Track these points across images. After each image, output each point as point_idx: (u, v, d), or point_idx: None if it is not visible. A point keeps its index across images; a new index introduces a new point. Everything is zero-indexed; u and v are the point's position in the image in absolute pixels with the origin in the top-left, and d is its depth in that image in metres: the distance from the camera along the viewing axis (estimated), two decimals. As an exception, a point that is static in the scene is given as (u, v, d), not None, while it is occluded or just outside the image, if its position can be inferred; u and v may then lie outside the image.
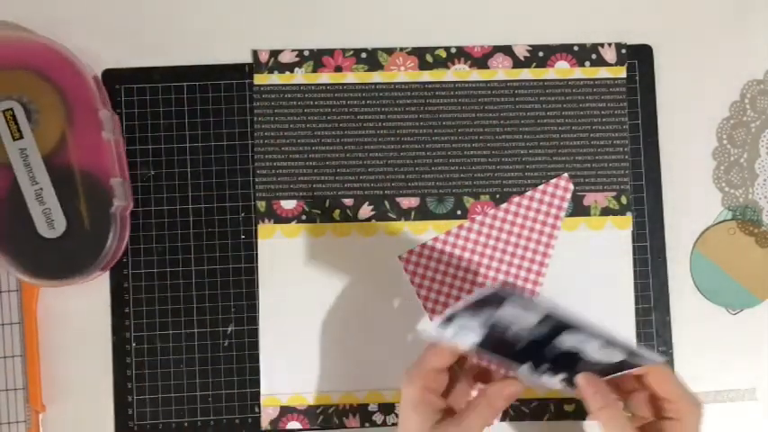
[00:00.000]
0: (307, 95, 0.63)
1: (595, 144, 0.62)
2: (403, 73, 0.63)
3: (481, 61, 0.63)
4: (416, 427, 0.48)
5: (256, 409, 0.61)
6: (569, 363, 0.49)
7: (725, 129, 0.63)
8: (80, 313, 0.61)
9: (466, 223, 0.62)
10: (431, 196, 0.62)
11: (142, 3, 0.63)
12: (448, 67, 0.63)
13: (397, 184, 0.62)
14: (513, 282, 0.61)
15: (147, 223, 0.62)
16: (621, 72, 0.63)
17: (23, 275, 0.57)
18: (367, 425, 0.61)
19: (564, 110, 0.63)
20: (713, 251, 0.62)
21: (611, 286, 0.62)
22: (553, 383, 0.51)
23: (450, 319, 0.46)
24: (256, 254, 0.62)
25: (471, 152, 0.62)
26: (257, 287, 0.62)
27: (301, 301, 0.62)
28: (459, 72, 0.63)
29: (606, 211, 0.62)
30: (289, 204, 0.62)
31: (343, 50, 0.63)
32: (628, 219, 0.62)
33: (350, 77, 0.63)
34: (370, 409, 0.61)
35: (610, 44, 0.63)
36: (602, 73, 0.63)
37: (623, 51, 0.63)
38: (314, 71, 0.63)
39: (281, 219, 0.62)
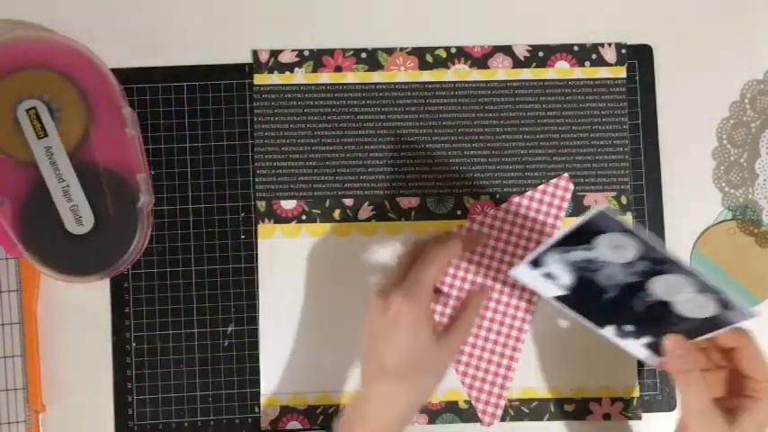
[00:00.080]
0: (307, 95, 0.63)
1: (595, 144, 0.62)
2: (403, 73, 0.63)
3: (481, 61, 0.63)
4: (428, 336, 0.51)
5: (256, 409, 0.61)
6: (655, 322, 0.49)
7: (725, 129, 0.63)
8: (80, 313, 0.61)
9: (466, 223, 0.62)
10: (431, 196, 0.62)
11: (142, 3, 0.63)
12: (448, 67, 0.63)
13: (397, 184, 0.62)
14: (514, 282, 0.61)
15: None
16: (621, 72, 0.63)
17: (52, 272, 0.58)
18: (367, 425, 0.61)
19: (564, 110, 0.63)
20: (713, 251, 0.62)
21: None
22: (635, 349, 0.51)
23: (537, 263, 0.45)
24: (256, 254, 0.62)
25: (471, 152, 0.62)
26: (257, 287, 0.62)
27: (301, 301, 0.62)
28: (459, 72, 0.63)
29: (606, 211, 0.62)
30: (289, 204, 0.62)
31: (343, 50, 0.63)
32: (628, 219, 0.62)
33: (350, 77, 0.63)
34: (370, 409, 0.61)
35: (610, 44, 0.63)
36: (602, 73, 0.63)
37: (623, 51, 0.63)
38: (314, 71, 0.63)
39: (281, 219, 0.62)
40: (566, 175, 0.62)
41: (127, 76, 0.62)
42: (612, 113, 0.63)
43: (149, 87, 0.62)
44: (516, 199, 0.62)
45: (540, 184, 0.62)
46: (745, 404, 0.49)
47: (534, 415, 0.61)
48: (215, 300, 0.61)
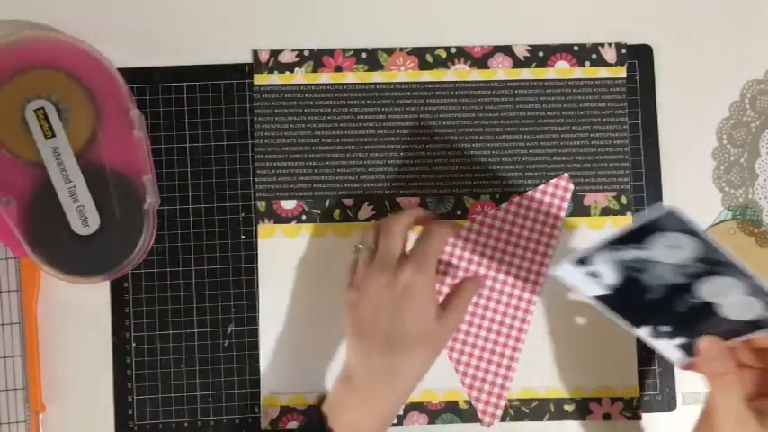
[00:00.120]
0: (307, 95, 0.63)
1: (595, 144, 0.62)
2: (403, 73, 0.63)
3: (481, 61, 0.63)
4: (435, 310, 0.52)
5: (256, 409, 0.61)
6: (693, 323, 0.48)
7: (725, 129, 0.63)
8: (80, 313, 0.61)
9: (466, 223, 0.62)
10: (431, 196, 0.62)
11: (142, 3, 0.63)
12: (448, 67, 0.63)
13: (397, 184, 0.62)
14: (513, 282, 0.61)
15: (147, 223, 0.62)
16: (621, 72, 0.63)
17: (57, 272, 0.58)
18: (367, 425, 0.61)
19: (564, 110, 0.63)
20: (713, 251, 0.62)
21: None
22: (667, 349, 0.51)
23: (584, 261, 0.45)
24: (256, 254, 0.62)
25: (471, 152, 0.62)
26: (257, 287, 0.62)
27: (301, 301, 0.62)
28: (459, 72, 0.63)
29: (606, 211, 0.62)
30: (289, 204, 0.62)
31: (343, 50, 0.63)
32: (628, 219, 0.62)
33: (350, 77, 0.63)
34: (370, 409, 0.61)
35: (610, 44, 0.63)
36: (602, 73, 0.63)
37: (623, 51, 0.63)
38: (314, 71, 0.63)
39: (281, 219, 0.62)
40: (566, 175, 0.62)
41: (127, 76, 0.62)
42: (612, 113, 0.63)
43: (149, 87, 0.62)
44: (516, 199, 0.62)
45: (540, 184, 0.62)
46: None
47: (534, 415, 0.61)
48: (215, 300, 0.61)
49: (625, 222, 0.62)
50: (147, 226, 0.59)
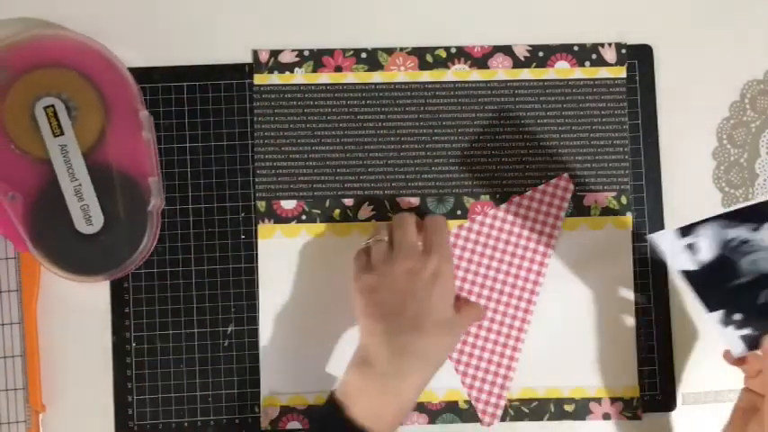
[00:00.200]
0: (307, 95, 0.63)
1: (595, 144, 0.62)
2: (403, 73, 0.63)
3: (481, 61, 0.63)
4: (453, 298, 0.55)
5: (256, 409, 0.61)
6: None
7: (725, 129, 0.63)
8: (80, 313, 0.61)
9: (466, 223, 0.62)
10: (431, 196, 0.62)
11: (142, 3, 0.63)
12: (448, 67, 0.63)
13: (397, 184, 0.62)
14: (513, 283, 0.61)
15: (147, 223, 0.62)
16: (621, 72, 0.63)
17: (58, 270, 0.58)
18: (367, 425, 0.61)
19: (564, 110, 0.63)
20: (713, 251, 0.62)
21: (611, 286, 0.61)
22: (731, 337, 0.51)
23: (687, 231, 0.44)
24: (256, 254, 0.62)
25: (471, 152, 0.62)
26: (257, 287, 0.62)
27: (301, 301, 0.62)
28: (459, 72, 0.63)
29: (606, 211, 0.62)
30: (289, 204, 0.62)
31: (344, 50, 0.63)
32: (628, 219, 0.62)
33: (350, 77, 0.63)
34: (370, 409, 0.61)
35: (610, 44, 0.63)
36: (602, 73, 0.63)
37: (623, 51, 0.63)
38: (314, 71, 0.63)
39: (281, 219, 0.62)
40: (566, 175, 0.62)
41: (127, 76, 0.62)
42: (612, 113, 0.63)
43: (149, 87, 0.62)
44: (516, 199, 0.62)
45: (540, 184, 0.62)
46: None
47: (534, 415, 0.61)
48: (215, 300, 0.61)
49: (625, 222, 0.62)
50: (151, 227, 0.59)
